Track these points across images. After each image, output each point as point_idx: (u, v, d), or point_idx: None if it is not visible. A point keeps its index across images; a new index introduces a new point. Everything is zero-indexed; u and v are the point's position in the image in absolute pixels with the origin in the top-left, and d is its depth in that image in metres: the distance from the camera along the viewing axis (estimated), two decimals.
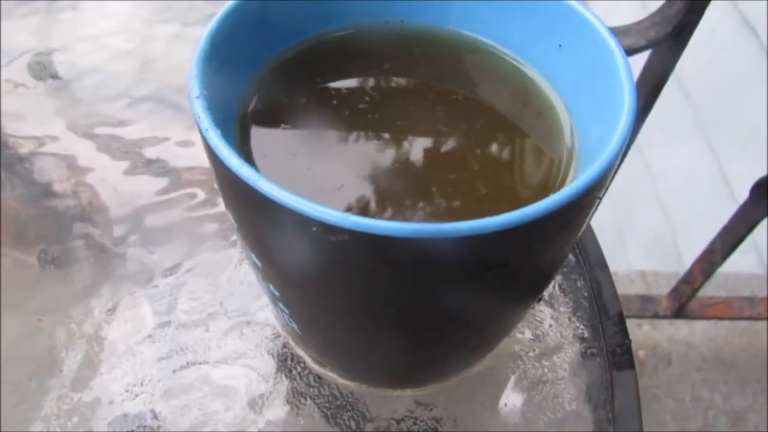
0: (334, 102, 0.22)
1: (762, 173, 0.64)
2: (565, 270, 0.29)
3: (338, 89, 0.22)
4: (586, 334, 0.27)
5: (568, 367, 0.26)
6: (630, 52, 0.49)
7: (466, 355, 0.25)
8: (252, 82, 0.22)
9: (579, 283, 0.29)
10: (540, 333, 0.27)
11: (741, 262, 0.83)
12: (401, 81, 0.23)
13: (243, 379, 0.25)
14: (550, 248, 0.18)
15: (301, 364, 0.26)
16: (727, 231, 0.70)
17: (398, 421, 0.25)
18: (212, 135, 0.16)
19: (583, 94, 0.21)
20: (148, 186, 0.32)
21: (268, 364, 0.26)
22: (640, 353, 0.88)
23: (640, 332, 0.90)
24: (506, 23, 0.23)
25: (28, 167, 0.32)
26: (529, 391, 0.26)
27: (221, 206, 0.31)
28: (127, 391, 0.25)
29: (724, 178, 1.03)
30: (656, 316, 0.83)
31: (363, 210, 0.18)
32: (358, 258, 0.16)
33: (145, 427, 0.24)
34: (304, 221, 0.15)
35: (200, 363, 0.26)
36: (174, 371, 0.26)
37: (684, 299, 0.80)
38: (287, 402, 0.25)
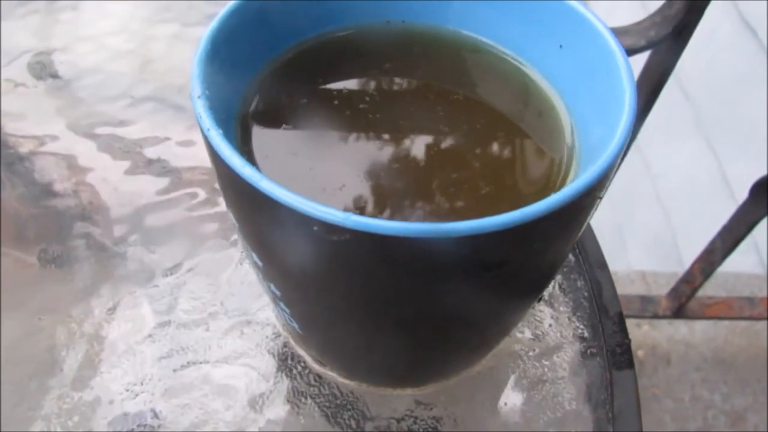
0: (336, 102, 0.22)
1: (762, 173, 0.64)
2: (565, 270, 0.29)
3: (339, 89, 0.22)
4: (586, 334, 0.27)
5: (567, 367, 0.26)
6: (630, 52, 0.49)
7: (466, 355, 0.25)
8: (253, 82, 0.22)
9: (579, 283, 0.29)
10: (540, 333, 0.27)
11: (741, 261, 0.83)
12: (402, 81, 0.23)
13: (243, 378, 0.25)
14: (551, 248, 0.18)
15: (302, 364, 0.26)
16: (726, 231, 0.70)
17: (398, 421, 0.25)
18: (214, 135, 0.16)
19: (583, 94, 0.21)
20: (148, 186, 0.32)
21: (269, 364, 0.26)
22: (639, 353, 0.88)
23: (640, 332, 0.90)
24: (507, 23, 0.23)
25: (29, 167, 0.32)
26: (529, 390, 0.26)
27: (222, 206, 0.31)
28: (127, 390, 0.25)
29: (724, 178, 1.03)
30: (656, 316, 0.83)
31: (364, 210, 0.18)
32: (359, 257, 0.16)
33: (145, 426, 0.24)
34: (305, 221, 0.15)
35: (201, 362, 0.26)
36: (174, 370, 0.26)
37: (684, 299, 0.80)
38: (287, 401, 0.25)
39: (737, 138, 1.02)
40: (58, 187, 0.32)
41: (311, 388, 0.25)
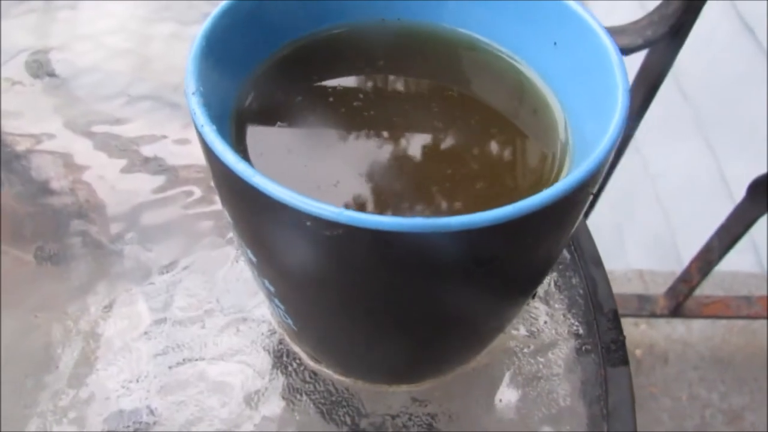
0: (330, 99, 0.22)
1: (761, 173, 0.64)
2: (560, 267, 0.29)
3: (334, 87, 0.22)
4: (581, 331, 0.27)
5: (562, 364, 0.26)
6: (627, 51, 0.49)
7: (461, 351, 0.25)
8: (248, 80, 0.22)
9: (574, 280, 0.29)
10: (535, 329, 0.27)
11: (738, 261, 0.83)
12: (397, 78, 0.23)
13: (239, 375, 0.26)
14: (544, 243, 0.18)
15: (297, 361, 0.26)
16: (724, 230, 0.70)
17: (393, 417, 0.25)
18: (208, 131, 0.16)
19: (577, 91, 0.21)
20: (145, 184, 0.32)
21: (264, 361, 0.26)
22: (637, 352, 0.88)
23: (637, 331, 0.91)
24: (502, 21, 0.23)
25: (26, 165, 0.32)
26: (523, 387, 0.26)
27: (218, 204, 0.31)
28: (123, 388, 0.25)
29: (723, 178, 1.03)
30: (653, 315, 0.83)
31: (358, 205, 0.18)
32: (352, 253, 0.16)
33: (141, 423, 0.24)
34: (299, 216, 0.15)
35: (196, 359, 0.26)
36: (170, 368, 0.26)
37: (681, 298, 0.80)
38: (283, 398, 0.25)
39: (736, 138, 1.02)
40: (54, 185, 0.32)
41: (306, 385, 0.25)
